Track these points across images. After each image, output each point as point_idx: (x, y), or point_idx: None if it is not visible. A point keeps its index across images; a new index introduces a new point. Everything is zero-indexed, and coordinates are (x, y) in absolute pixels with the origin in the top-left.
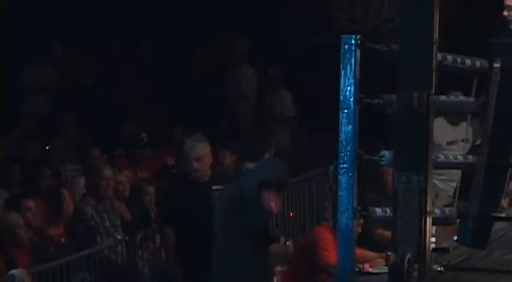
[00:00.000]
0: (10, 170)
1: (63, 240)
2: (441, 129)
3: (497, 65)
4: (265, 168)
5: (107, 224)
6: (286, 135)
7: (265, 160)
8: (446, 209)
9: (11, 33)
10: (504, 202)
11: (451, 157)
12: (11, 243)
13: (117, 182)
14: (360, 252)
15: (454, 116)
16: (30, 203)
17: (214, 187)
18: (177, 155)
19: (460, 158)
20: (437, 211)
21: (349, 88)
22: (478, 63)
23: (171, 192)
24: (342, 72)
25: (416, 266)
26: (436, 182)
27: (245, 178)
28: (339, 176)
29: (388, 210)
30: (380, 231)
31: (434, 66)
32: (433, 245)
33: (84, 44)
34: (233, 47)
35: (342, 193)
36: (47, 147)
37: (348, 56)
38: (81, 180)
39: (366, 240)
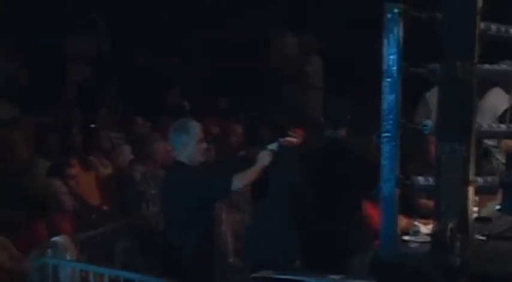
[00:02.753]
0: (49, 138)
1: (105, 208)
2: (497, 99)
3: None
4: None
5: (153, 191)
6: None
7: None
8: (489, 178)
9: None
10: None
11: (494, 126)
12: (54, 210)
13: (164, 154)
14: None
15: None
16: (73, 171)
17: None
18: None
19: (503, 127)
20: (480, 180)
21: (392, 57)
22: None
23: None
24: (385, 41)
25: (459, 235)
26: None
27: None
28: (382, 145)
29: (431, 179)
30: (423, 200)
31: (477, 36)
32: (475, 215)
33: (127, 14)
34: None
35: (385, 162)
36: (92, 125)
37: (392, 24)
38: (125, 148)
39: (409, 209)
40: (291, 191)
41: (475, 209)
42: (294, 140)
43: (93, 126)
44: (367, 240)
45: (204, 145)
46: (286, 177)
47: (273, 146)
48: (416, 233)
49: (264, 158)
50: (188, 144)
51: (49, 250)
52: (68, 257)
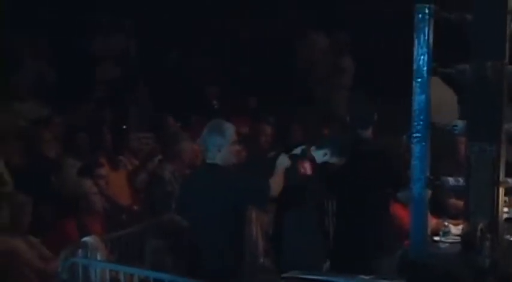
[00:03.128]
0: (78, 138)
1: (135, 207)
2: None
3: None
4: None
5: None
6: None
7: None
8: None
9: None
10: None
11: None
12: (85, 210)
13: (191, 153)
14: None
15: None
16: (103, 171)
17: None
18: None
19: None
20: (510, 181)
21: (422, 57)
22: None
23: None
24: (416, 42)
25: (488, 235)
26: None
27: None
28: (412, 145)
29: (460, 179)
30: (453, 200)
31: (508, 36)
32: (505, 215)
33: (157, 13)
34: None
35: (415, 162)
36: (124, 126)
37: (422, 25)
38: (155, 148)
39: (439, 209)
40: (316, 193)
41: (505, 209)
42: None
43: (124, 127)
44: (393, 241)
45: (237, 147)
46: (312, 179)
47: (298, 150)
48: (447, 233)
49: (282, 161)
50: (223, 145)
51: (79, 250)
52: (98, 257)
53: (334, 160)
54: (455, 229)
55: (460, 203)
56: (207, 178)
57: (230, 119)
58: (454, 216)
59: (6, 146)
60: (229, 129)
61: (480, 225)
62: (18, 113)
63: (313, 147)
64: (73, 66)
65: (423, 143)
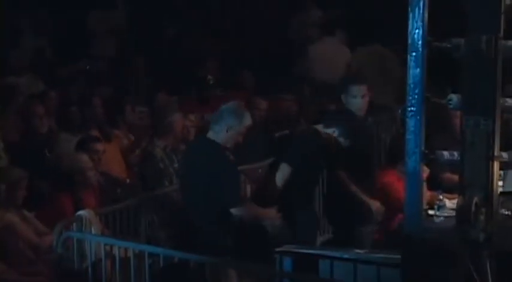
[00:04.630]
0: (71, 112)
1: (128, 181)
2: None
3: None
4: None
5: (176, 165)
6: None
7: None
8: None
9: None
10: None
11: None
12: (80, 184)
13: (182, 127)
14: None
15: None
16: (99, 146)
17: None
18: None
19: None
20: (504, 155)
21: (417, 31)
22: None
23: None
24: (410, 15)
25: (483, 209)
26: None
27: None
28: (407, 119)
29: (455, 153)
30: (448, 174)
31: (503, 10)
32: (500, 189)
33: None
34: None
35: (410, 136)
36: (124, 102)
37: None
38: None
39: (434, 183)
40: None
41: (500, 183)
42: None
43: (125, 103)
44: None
45: (241, 138)
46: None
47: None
48: (441, 207)
49: None
50: (233, 128)
51: (74, 224)
52: (93, 231)
53: (341, 140)
54: (450, 203)
55: (455, 177)
56: (201, 152)
57: (226, 94)
58: (449, 190)
59: (2, 120)
60: (247, 118)
61: (475, 199)
62: (15, 87)
63: (321, 125)
64: (69, 40)
65: (418, 117)
